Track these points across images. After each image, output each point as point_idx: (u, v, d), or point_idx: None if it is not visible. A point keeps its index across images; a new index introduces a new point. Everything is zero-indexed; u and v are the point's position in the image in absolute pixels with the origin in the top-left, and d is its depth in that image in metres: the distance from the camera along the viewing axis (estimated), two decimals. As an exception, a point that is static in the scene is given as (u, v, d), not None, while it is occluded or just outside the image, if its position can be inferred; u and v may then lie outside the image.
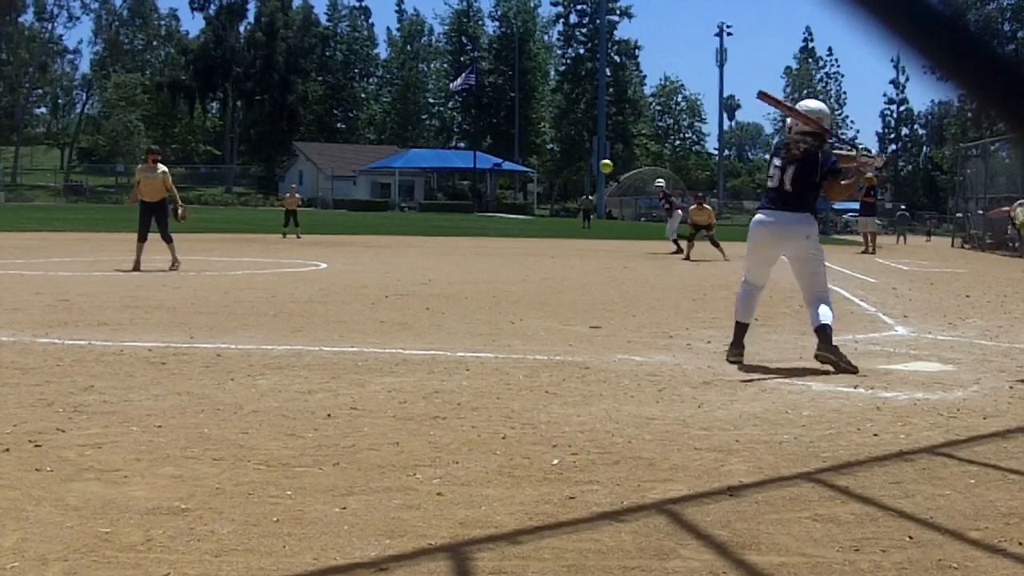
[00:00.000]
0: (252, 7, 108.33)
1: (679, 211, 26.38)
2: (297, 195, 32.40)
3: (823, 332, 7.41)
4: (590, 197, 61.95)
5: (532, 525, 3.76)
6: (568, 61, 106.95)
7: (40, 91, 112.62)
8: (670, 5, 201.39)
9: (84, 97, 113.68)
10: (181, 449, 4.76)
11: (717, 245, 23.51)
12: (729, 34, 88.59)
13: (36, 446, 4.76)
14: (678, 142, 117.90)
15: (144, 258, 16.23)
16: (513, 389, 6.40)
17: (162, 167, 16.64)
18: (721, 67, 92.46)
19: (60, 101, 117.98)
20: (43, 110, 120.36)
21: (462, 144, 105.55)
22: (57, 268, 16.66)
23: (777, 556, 3.45)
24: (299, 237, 29.41)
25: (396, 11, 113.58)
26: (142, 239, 16.40)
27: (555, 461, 4.65)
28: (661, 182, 28.48)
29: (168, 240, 16.45)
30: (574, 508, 3.97)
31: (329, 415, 5.55)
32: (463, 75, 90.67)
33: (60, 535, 3.54)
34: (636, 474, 4.46)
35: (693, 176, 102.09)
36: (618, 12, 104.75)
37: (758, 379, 6.96)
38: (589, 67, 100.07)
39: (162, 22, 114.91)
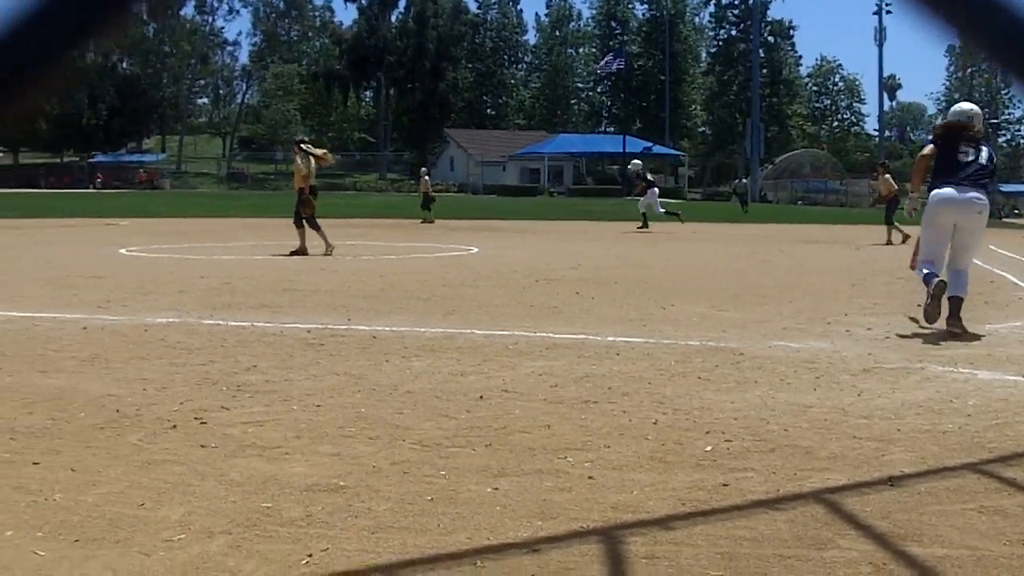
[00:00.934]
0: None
1: (655, 189, 28.11)
2: (426, 178, 32.67)
3: (958, 303, 8.12)
4: (743, 180, 60.87)
5: (685, 511, 3.72)
6: (720, 43, 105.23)
7: (202, 82, 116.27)
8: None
9: (244, 87, 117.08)
10: (339, 428, 4.87)
11: (891, 224, 22.73)
12: (888, 12, 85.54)
13: (201, 423, 4.93)
14: (835, 123, 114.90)
15: (311, 244, 16.42)
16: (665, 374, 6.35)
17: (299, 156, 16.56)
18: (880, 46, 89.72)
19: (221, 92, 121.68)
20: (205, 100, 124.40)
21: (611, 129, 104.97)
22: (220, 252, 17.22)
23: (940, 548, 3.34)
24: (431, 222, 29.78)
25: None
26: (297, 224, 16.55)
27: (708, 448, 4.60)
28: (637, 163, 30.45)
29: (298, 226, 16.48)
30: (728, 495, 3.92)
31: (481, 397, 5.60)
32: (609, 57, 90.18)
33: (224, 509, 3.66)
34: (792, 462, 4.37)
35: (851, 158, 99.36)
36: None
37: (920, 367, 6.74)
38: (742, 48, 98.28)
39: (317, 13, 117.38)
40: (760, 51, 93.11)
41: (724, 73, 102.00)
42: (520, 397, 5.63)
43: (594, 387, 5.91)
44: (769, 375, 6.39)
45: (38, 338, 7.55)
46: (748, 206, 49.73)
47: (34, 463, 4.23)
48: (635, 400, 5.57)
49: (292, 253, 16.20)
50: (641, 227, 27.26)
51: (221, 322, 8.52)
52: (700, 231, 28.48)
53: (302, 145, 16.67)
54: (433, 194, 31.62)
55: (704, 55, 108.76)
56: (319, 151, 16.76)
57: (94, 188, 78.03)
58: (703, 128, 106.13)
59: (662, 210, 27.92)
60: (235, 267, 14.18)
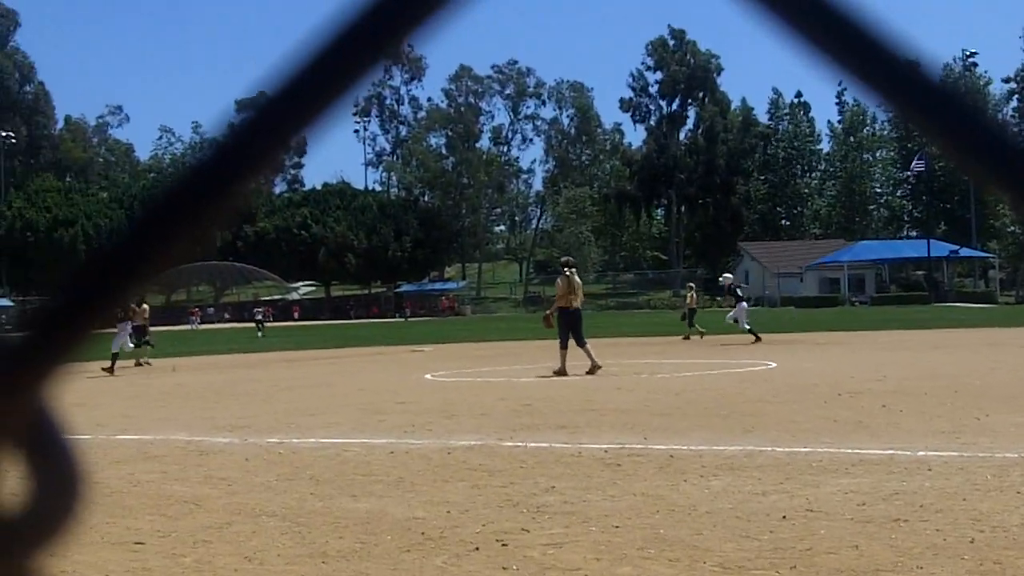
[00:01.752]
0: (692, 114, 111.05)
1: (743, 304, 28.18)
2: (693, 293, 33.04)
3: None
4: None
5: (1012, 640, 3.45)
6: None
7: (499, 210, 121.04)
8: None
9: (538, 213, 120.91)
10: (638, 549, 4.83)
11: None
12: None
13: (503, 545, 5.01)
14: None
15: (605, 361, 16.65)
16: (981, 490, 5.95)
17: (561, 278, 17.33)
18: None
19: (517, 218, 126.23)
20: (502, 228, 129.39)
21: (913, 233, 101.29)
22: (520, 375, 17.62)
23: None
24: (698, 337, 29.95)
25: (836, 103, 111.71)
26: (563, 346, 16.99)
27: (1035, 569, 4.26)
28: (729, 276, 30.64)
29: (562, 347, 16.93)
30: (1061, 623, 3.60)
31: (784, 517, 5.42)
32: (914, 161, 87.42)
33: (526, 632, 3.68)
34: None
35: None
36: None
37: None
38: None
39: (607, 137, 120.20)
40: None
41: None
42: (825, 516, 5.41)
43: (904, 504, 5.61)
44: (1103, 490, 5.88)
45: (348, 463, 7.93)
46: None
47: (346, 584, 4.41)
48: (949, 517, 5.25)
49: (555, 373, 16.67)
50: (755, 340, 26.38)
51: (521, 444, 8.67)
52: (1019, 336, 26.75)
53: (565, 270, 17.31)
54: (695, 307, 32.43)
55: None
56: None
57: (403, 318, 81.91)
58: (1013, 227, 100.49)
59: (747, 326, 27.34)
60: (534, 388, 14.47)
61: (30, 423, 0.59)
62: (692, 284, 35.78)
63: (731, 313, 28.65)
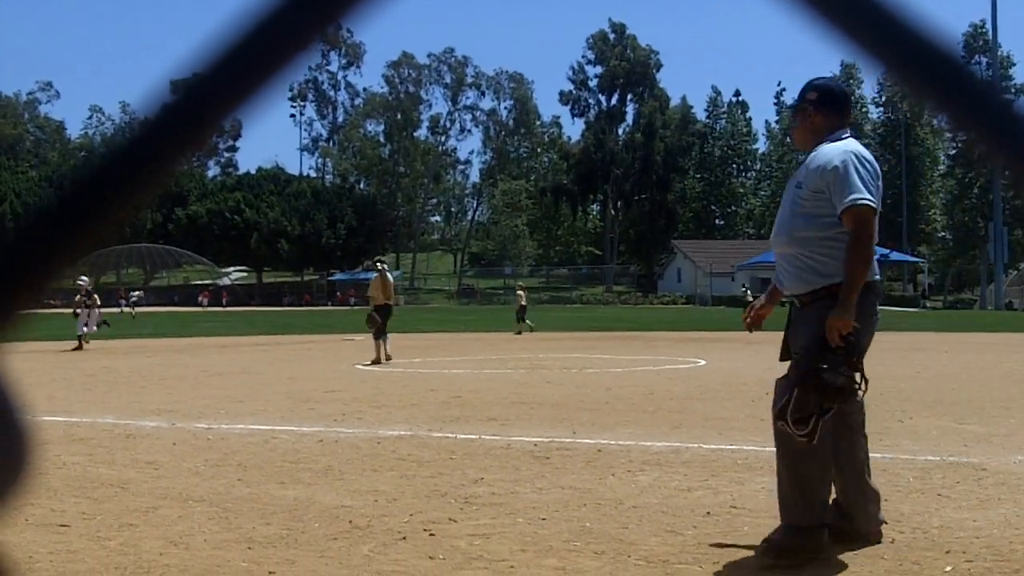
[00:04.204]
0: (631, 110, 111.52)
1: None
2: (520, 292, 34.54)
3: None
4: None
5: (926, 637, 3.52)
6: (959, 144, 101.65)
7: (435, 200, 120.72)
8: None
9: (474, 204, 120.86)
10: (564, 542, 4.86)
11: None
12: None
13: (430, 535, 5.01)
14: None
15: (525, 356, 16.74)
16: (903, 491, 6.07)
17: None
18: None
19: (453, 209, 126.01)
20: (437, 218, 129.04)
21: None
22: (451, 366, 17.62)
23: None
24: (522, 333, 30.79)
25: (775, 103, 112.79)
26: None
27: (948, 568, 4.36)
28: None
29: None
30: (974, 621, 3.68)
31: (708, 513, 5.49)
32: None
33: (450, 622, 3.69)
34: (1045, 587, 4.08)
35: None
36: (1013, 91, 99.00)
37: None
38: (984, 148, 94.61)
39: (544, 130, 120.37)
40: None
41: (965, 175, 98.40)
42: (749, 513, 5.48)
43: (827, 503, 5.70)
44: (1014, 492, 6.02)
45: (277, 450, 7.88)
46: None
47: (270, 572, 4.39)
48: (871, 518, 5.33)
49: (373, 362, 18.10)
50: None
51: (450, 435, 8.68)
52: (942, 341, 27.27)
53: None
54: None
55: (943, 157, 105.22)
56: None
57: (333, 305, 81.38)
58: (943, 233, 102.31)
59: None
60: (465, 380, 14.48)
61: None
62: (522, 284, 39.08)
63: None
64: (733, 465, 7.01)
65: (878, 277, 4.85)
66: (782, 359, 4.97)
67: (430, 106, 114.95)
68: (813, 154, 4.76)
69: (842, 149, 4.66)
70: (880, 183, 4.73)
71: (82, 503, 5.90)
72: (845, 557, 4.55)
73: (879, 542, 4.78)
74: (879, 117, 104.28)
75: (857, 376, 4.64)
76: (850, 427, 5.03)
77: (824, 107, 4.82)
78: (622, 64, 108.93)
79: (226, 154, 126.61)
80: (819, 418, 4.44)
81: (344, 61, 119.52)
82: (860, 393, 4.74)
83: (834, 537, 4.67)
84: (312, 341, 28.17)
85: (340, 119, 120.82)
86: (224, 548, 4.83)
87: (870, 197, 4.58)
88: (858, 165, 4.60)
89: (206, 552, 4.76)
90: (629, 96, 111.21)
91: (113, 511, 5.69)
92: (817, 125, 4.81)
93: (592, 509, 5.61)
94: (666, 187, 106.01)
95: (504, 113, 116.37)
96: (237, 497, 6.03)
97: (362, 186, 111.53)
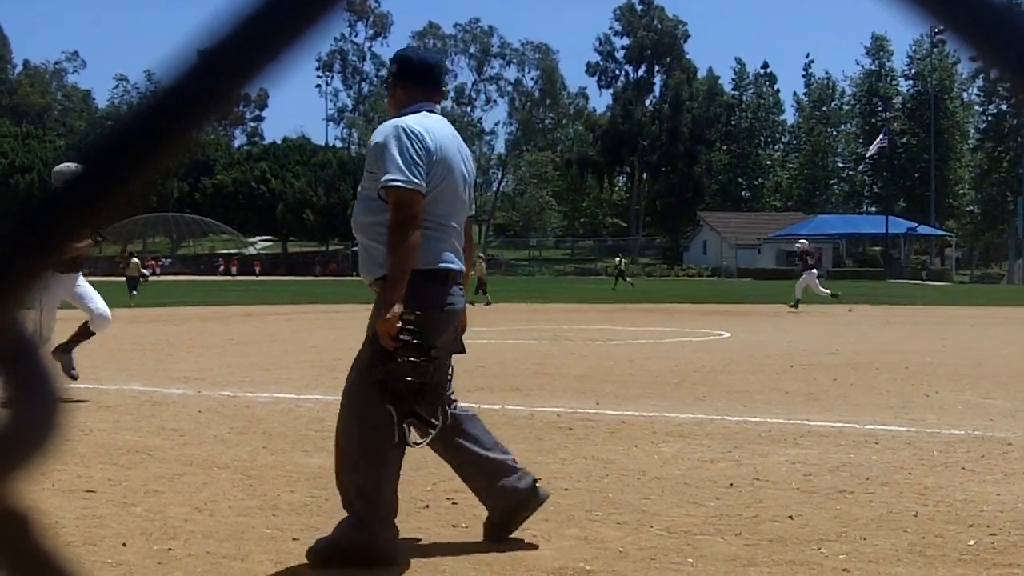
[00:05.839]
0: (658, 81, 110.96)
1: (814, 271, 28.93)
2: (482, 264, 33.84)
3: None
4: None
5: (948, 610, 3.52)
6: (989, 117, 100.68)
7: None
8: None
9: (499, 175, 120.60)
10: (586, 512, 4.88)
11: None
12: None
13: (453, 503, 5.04)
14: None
15: (549, 328, 16.70)
16: (927, 464, 6.05)
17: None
18: None
19: (478, 180, 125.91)
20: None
21: (873, 209, 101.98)
22: (474, 336, 17.62)
23: None
24: (484, 304, 30.55)
25: (803, 75, 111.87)
26: None
27: (972, 542, 4.34)
28: (804, 243, 31.09)
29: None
30: (996, 595, 3.68)
31: (731, 484, 5.49)
32: (877, 140, 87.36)
33: (472, 590, 3.71)
34: (1068, 562, 4.07)
35: None
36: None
37: None
38: (1013, 123, 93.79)
39: (571, 101, 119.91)
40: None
41: (994, 149, 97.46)
42: (772, 485, 5.48)
43: (851, 476, 5.70)
44: (1042, 468, 6.00)
45: (302, 418, 7.94)
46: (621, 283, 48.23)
47: (294, 539, 4.43)
48: (894, 491, 5.33)
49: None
50: (792, 307, 27.63)
51: (474, 404, 8.69)
52: (969, 315, 27.09)
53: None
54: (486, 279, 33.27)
55: (972, 131, 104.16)
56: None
57: (357, 276, 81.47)
58: (971, 207, 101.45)
59: (825, 291, 28.62)
60: (489, 351, 14.49)
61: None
62: (482, 256, 37.28)
63: (802, 279, 29.00)
64: (756, 437, 7.00)
65: (452, 266, 4.33)
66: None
67: (455, 76, 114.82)
68: None
69: (393, 124, 4.20)
70: (456, 162, 4.34)
71: (108, 469, 5.96)
72: (867, 528, 4.55)
73: (541, 497, 4.50)
74: (909, 90, 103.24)
75: (428, 373, 4.13)
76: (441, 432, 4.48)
77: (402, 79, 4.40)
78: (649, 35, 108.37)
79: (252, 124, 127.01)
80: (399, 420, 4.15)
81: (371, 32, 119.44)
82: (434, 395, 4.31)
83: (502, 528, 4.41)
84: (336, 311, 28.26)
85: (366, 90, 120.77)
86: (248, 515, 4.88)
87: (406, 177, 4.08)
88: (404, 140, 4.13)
89: (231, 518, 4.80)
90: (656, 67, 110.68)
91: (139, 477, 5.74)
92: (399, 98, 4.41)
93: (614, 480, 5.63)
94: (693, 159, 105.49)
95: (530, 84, 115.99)
96: (262, 464, 6.08)
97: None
